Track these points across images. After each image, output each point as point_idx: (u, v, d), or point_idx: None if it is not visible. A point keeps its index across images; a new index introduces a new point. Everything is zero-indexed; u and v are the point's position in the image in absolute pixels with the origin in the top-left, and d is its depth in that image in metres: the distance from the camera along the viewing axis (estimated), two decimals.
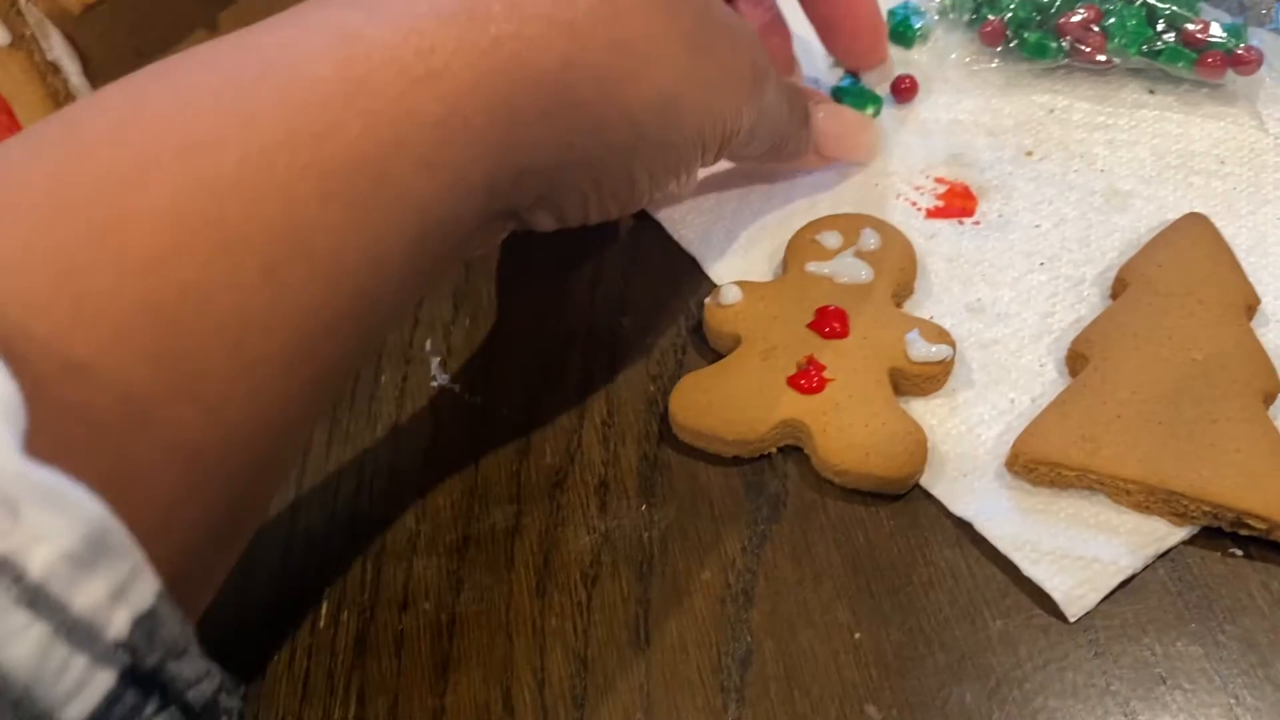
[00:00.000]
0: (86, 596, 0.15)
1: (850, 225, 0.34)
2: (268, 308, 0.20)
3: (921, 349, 0.30)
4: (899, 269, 0.33)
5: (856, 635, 0.27)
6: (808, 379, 0.30)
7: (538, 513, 0.30)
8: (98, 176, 0.19)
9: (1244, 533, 0.27)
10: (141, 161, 0.19)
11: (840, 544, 0.29)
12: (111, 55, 0.33)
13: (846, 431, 0.29)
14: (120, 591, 0.16)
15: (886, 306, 0.32)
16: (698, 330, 0.34)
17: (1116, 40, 0.38)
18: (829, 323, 0.31)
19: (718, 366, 0.31)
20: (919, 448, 0.29)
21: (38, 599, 0.15)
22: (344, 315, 0.22)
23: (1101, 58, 0.38)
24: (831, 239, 0.34)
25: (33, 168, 0.19)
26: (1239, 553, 0.28)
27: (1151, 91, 0.39)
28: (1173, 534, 0.28)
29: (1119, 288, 0.32)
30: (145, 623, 0.16)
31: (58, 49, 0.31)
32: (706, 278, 0.35)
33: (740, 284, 0.33)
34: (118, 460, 0.18)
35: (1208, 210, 0.34)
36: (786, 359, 0.31)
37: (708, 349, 0.33)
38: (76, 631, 0.15)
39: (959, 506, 0.29)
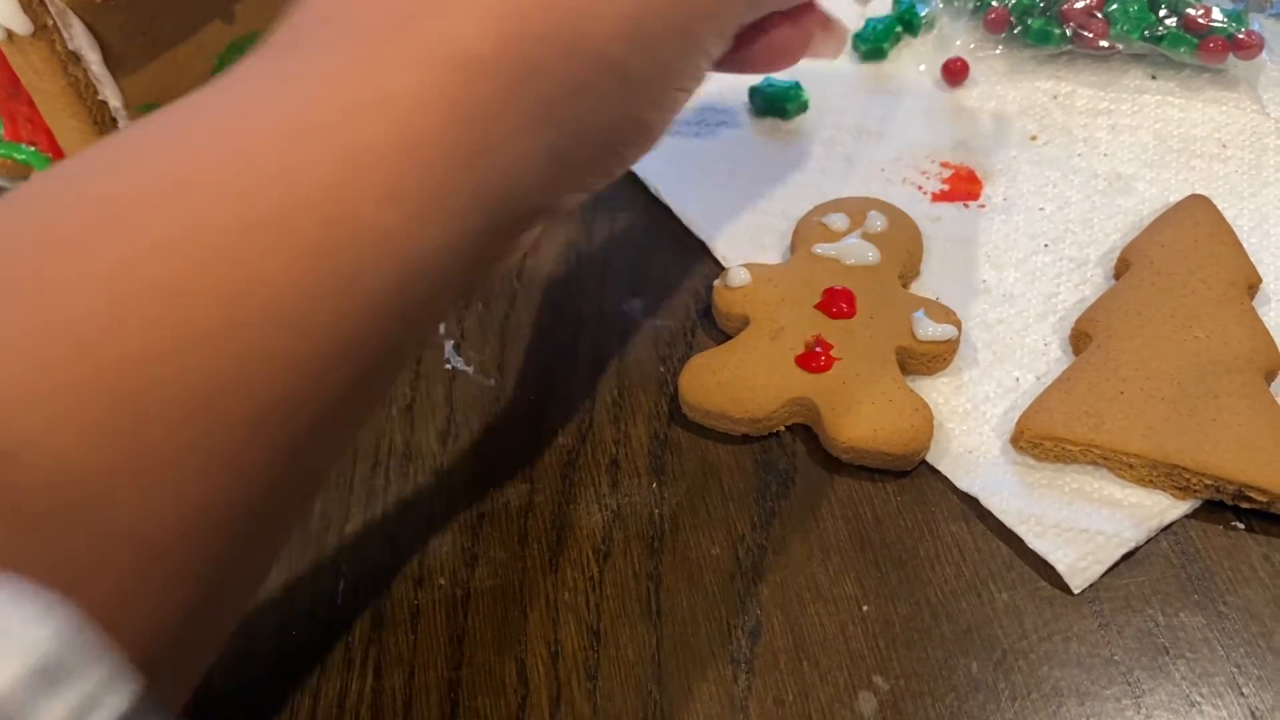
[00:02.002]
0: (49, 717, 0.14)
1: (857, 208, 0.34)
2: (227, 372, 0.18)
3: (928, 328, 0.31)
4: (905, 250, 0.33)
5: (864, 608, 0.28)
6: (815, 358, 0.30)
7: (550, 490, 0.31)
8: (29, 246, 0.18)
9: (1245, 506, 0.28)
10: (76, 232, 0.18)
11: (848, 519, 0.29)
12: (130, 45, 0.33)
13: (854, 409, 0.30)
14: (90, 705, 0.15)
15: (893, 287, 0.32)
16: (706, 313, 0.34)
17: (1119, 26, 0.38)
18: (836, 303, 0.31)
19: (727, 346, 0.32)
20: (925, 424, 0.29)
21: None
22: (322, 371, 0.20)
23: (1104, 44, 0.39)
24: (838, 221, 0.34)
25: None
26: (1240, 526, 0.28)
27: (1153, 77, 0.39)
28: (1175, 507, 0.28)
29: (1122, 268, 0.33)
30: None
31: (79, 38, 0.32)
32: (715, 261, 0.36)
33: (748, 266, 0.33)
34: (48, 554, 0.16)
35: (1209, 193, 0.34)
36: (795, 339, 0.31)
37: (716, 331, 0.34)
38: None
39: (965, 482, 0.29)
